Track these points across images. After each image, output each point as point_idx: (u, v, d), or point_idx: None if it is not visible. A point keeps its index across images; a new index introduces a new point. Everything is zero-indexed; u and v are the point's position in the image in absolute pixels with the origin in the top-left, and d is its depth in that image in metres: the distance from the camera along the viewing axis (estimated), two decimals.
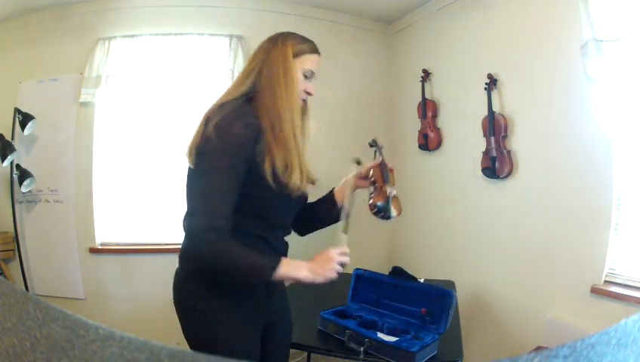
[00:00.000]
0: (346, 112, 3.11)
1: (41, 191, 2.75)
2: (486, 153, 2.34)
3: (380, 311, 1.71)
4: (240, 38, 2.81)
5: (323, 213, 1.30)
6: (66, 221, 2.76)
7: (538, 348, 1.93)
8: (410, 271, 1.78)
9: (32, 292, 2.18)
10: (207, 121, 1.01)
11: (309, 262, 1.05)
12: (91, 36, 2.75)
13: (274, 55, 1.08)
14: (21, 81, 2.78)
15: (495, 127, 2.26)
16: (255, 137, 1.01)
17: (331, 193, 1.32)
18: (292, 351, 1.40)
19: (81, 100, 2.72)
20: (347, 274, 1.98)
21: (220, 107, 1.04)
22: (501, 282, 2.35)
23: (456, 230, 2.68)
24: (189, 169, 1.06)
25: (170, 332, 2.66)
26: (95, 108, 2.78)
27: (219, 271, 1.00)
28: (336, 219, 1.27)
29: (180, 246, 1.08)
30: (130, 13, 2.77)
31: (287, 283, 1.24)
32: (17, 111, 2.62)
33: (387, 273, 1.80)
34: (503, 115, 2.25)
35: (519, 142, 2.22)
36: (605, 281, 1.83)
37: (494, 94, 2.29)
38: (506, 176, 2.27)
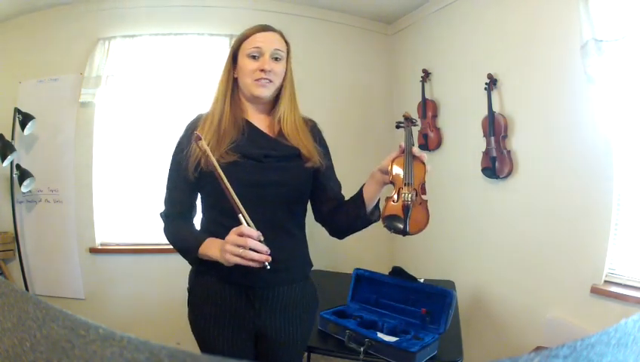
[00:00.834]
0: (345, 112, 3.11)
1: (41, 191, 2.75)
2: (486, 153, 2.35)
3: (380, 311, 1.72)
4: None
5: (352, 214, 1.15)
6: (66, 221, 2.76)
7: (538, 348, 1.93)
8: (410, 271, 1.77)
9: (32, 293, 2.18)
10: None
11: (223, 241, 1.00)
12: (91, 36, 2.75)
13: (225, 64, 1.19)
14: (21, 81, 2.78)
15: (495, 127, 2.26)
16: (190, 133, 1.12)
17: (360, 190, 1.16)
18: None
19: (81, 100, 2.72)
20: (347, 274, 1.99)
21: None
22: (501, 282, 2.35)
23: (456, 230, 2.68)
24: None
25: (170, 332, 2.68)
26: (95, 108, 2.78)
27: (173, 248, 1.16)
28: (368, 221, 1.14)
29: None
30: (130, 13, 2.77)
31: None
32: (17, 111, 2.62)
33: (387, 273, 1.80)
34: (503, 115, 2.25)
35: (519, 142, 2.22)
36: (605, 281, 1.83)
37: (494, 94, 2.29)
38: (506, 176, 2.27)
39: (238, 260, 0.95)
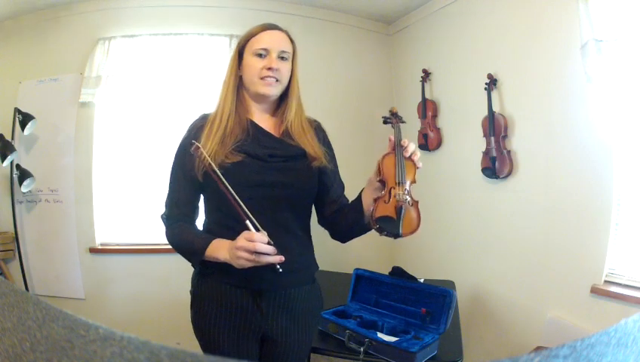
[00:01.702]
0: (345, 112, 3.11)
1: (41, 191, 2.75)
2: (486, 153, 2.34)
3: (380, 311, 1.72)
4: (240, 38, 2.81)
5: (350, 219, 1.14)
6: (66, 221, 2.76)
7: (538, 348, 1.93)
8: (410, 271, 1.77)
9: (32, 293, 2.18)
10: None
11: (232, 243, 1.00)
12: (91, 36, 2.75)
13: (229, 62, 1.18)
14: (21, 81, 2.78)
15: (495, 127, 2.26)
16: (193, 134, 1.12)
17: (359, 196, 1.14)
18: None
19: (81, 100, 2.72)
20: (347, 274, 1.99)
21: None
22: (501, 282, 2.35)
23: (456, 230, 2.68)
24: None
25: (170, 332, 2.68)
26: (95, 108, 2.78)
27: (176, 251, 1.15)
28: (366, 229, 1.11)
29: None
30: (130, 13, 2.77)
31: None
32: (17, 111, 2.63)
33: (387, 273, 1.80)
34: (503, 115, 2.25)
35: (519, 142, 2.22)
36: (605, 281, 1.83)
37: (494, 94, 2.29)
38: (506, 176, 2.27)
39: (251, 264, 0.96)
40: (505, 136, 2.25)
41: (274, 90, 1.12)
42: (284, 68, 1.12)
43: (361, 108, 3.21)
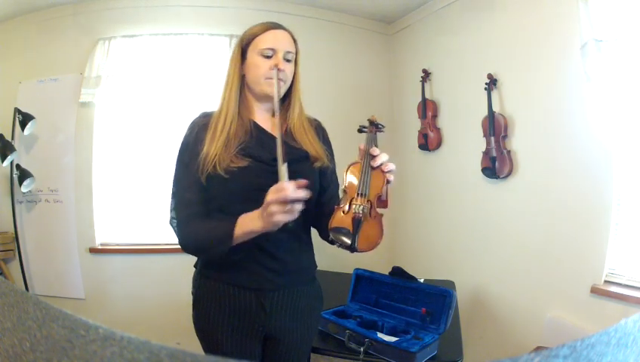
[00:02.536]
0: (345, 112, 3.10)
1: (41, 191, 2.75)
2: (486, 153, 2.35)
3: (380, 311, 1.72)
4: (242, 36, 2.81)
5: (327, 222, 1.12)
6: (66, 221, 2.76)
7: (538, 348, 1.93)
8: (410, 271, 1.78)
9: (32, 292, 2.18)
10: None
11: (261, 208, 0.94)
12: (91, 36, 2.75)
13: (230, 59, 1.15)
14: (21, 81, 2.78)
15: (495, 127, 2.26)
16: (196, 133, 1.09)
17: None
18: None
19: (81, 100, 2.72)
20: (347, 274, 1.99)
21: None
22: (501, 282, 2.35)
23: (456, 230, 2.68)
24: None
25: (170, 332, 2.67)
26: (95, 108, 2.78)
27: (198, 250, 1.09)
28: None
29: None
30: (130, 13, 2.77)
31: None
32: (17, 111, 2.62)
33: (387, 273, 1.80)
34: (503, 115, 2.25)
35: (519, 142, 2.22)
36: (605, 281, 1.83)
37: (494, 94, 2.29)
38: (506, 176, 2.27)
39: (290, 217, 0.90)
40: (505, 136, 2.25)
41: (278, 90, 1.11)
42: (288, 68, 1.11)
43: (361, 108, 3.21)
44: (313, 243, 1.23)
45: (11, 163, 2.60)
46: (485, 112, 2.30)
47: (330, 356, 1.60)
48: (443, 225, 2.78)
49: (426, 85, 2.83)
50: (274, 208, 0.90)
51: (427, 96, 2.82)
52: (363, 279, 1.83)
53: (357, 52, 3.20)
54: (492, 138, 2.28)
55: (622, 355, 0.28)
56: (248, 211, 1.00)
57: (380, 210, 1.01)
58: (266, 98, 1.13)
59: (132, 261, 2.80)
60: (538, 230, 2.13)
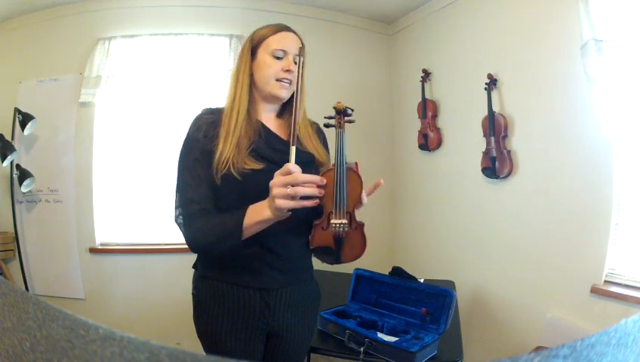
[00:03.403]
0: None
1: (41, 191, 2.75)
2: (486, 153, 2.35)
3: (380, 311, 1.72)
4: (240, 37, 2.81)
5: None
6: (66, 221, 2.76)
7: (538, 348, 1.93)
8: (410, 271, 1.78)
9: (32, 292, 2.18)
10: None
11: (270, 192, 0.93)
12: (91, 36, 2.75)
13: (238, 57, 1.14)
14: (21, 81, 2.78)
15: (495, 127, 2.26)
16: (204, 129, 1.07)
17: None
18: None
19: (81, 100, 2.72)
20: (347, 274, 1.99)
21: None
22: (501, 282, 2.35)
23: (456, 230, 2.68)
24: None
25: (170, 332, 2.67)
26: (95, 108, 2.78)
27: (207, 246, 1.04)
28: None
29: None
30: (130, 13, 2.77)
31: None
32: (17, 111, 2.63)
33: (387, 273, 1.80)
34: (503, 115, 2.25)
35: (519, 142, 2.23)
36: (605, 281, 1.83)
37: (494, 94, 2.29)
38: (506, 176, 2.27)
39: (292, 203, 0.87)
40: (505, 136, 2.25)
41: (286, 93, 1.11)
42: (296, 70, 1.11)
43: (361, 108, 3.21)
44: None
45: (11, 163, 2.60)
46: (485, 112, 2.30)
47: (330, 356, 1.61)
48: (443, 225, 2.79)
49: (426, 85, 2.83)
50: (276, 191, 0.88)
51: (427, 96, 2.82)
52: (363, 279, 1.83)
53: (357, 52, 3.20)
54: (492, 138, 2.28)
55: (622, 355, 0.28)
56: None
57: (359, 217, 0.99)
58: (272, 99, 1.13)
59: (132, 261, 2.80)
60: (538, 230, 2.13)
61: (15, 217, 2.68)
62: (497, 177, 2.30)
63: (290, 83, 1.10)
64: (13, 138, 2.64)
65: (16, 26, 2.80)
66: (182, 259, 2.95)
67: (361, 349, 1.46)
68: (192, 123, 1.11)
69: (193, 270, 1.19)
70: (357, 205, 0.99)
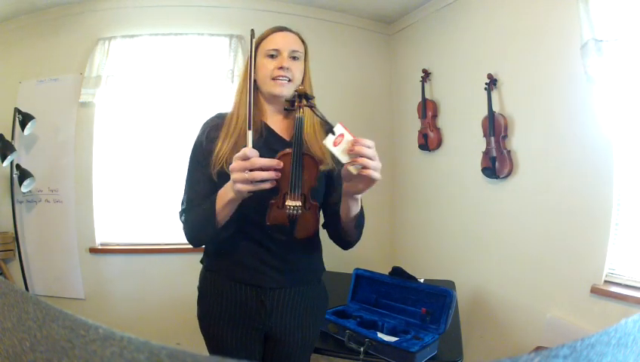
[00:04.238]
0: (345, 112, 3.10)
1: (41, 191, 2.75)
2: (486, 153, 2.35)
3: (380, 311, 1.72)
4: (240, 38, 2.81)
5: (337, 228, 1.12)
6: (66, 221, 2.76)
7: (538, 348, 1.93)
8: (410, 271, 1.78)
9: (32, 293, 2.18)
10: None
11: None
12: (91, 36, 2.75)
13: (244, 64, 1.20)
14: (21, 81, 2.78)
15: (495, 127, 2.26)
16: (207, 132, 1.12)
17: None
18: None
19: (81, 100, 2.72)
20: (347, 274, 1.99)
21: None
22: (501, 282, 2.35)
23: (456, 230, 2.68)
24: None
25: (170, 332, 2.67)
26: (95, 108, 2.78)
27: (195, 237, 1.10)
28: (347, 243, 1.15)
29: None
30: (130, 13, 2.77)
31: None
32: (17, 111, 2.63)
33: (387, 273, 1.80)
34: (503, 115, 2.25)
35: (519, 142, 2.23)
36: (605, 281, 1.83)
37: (494, 94, 2.29)
38: (506, 176, 2.27)
39: (250, 187, 0.89)
40: (505, 136, 2.25)
41: (286, 90, 1.11)
42: (296, 67, 1.12)
43: (361, 108, 3.21)
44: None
45: (11, 163, 2.60)
46: (485, 112, 2.30)
47: (330, 356, 1.60)
48: (443, 225, 2.79)
49: (426, 85, 2.83)
50: (234, 175, 0.91)
51: (427, 96, 2.82)
52: (363, 279, 1.83)
53: (357, 52, 3.20)
54: (492, 138, 2.28)
55: (622, 355, 0.28)
56: (251, 208, 1.02)
57: (313, 201, 1.02)
58: (274, 98, 1.14)
59: (132, 261, 2.80)
60: (538, 230, 2.13)
61: (15, 217, 2.68)
62: (497, 177, 2.30)
63: (290, 80, 1.11)
64: (13, 138, 2.64)
65: (16, 26, 2.80)
66: (182, 259, 2.96)
67: (361, 349, 1.46)
68: (201, 127, 1.17)
69: (200, 266, 1.22)
70: (312, 187, 1.01)
